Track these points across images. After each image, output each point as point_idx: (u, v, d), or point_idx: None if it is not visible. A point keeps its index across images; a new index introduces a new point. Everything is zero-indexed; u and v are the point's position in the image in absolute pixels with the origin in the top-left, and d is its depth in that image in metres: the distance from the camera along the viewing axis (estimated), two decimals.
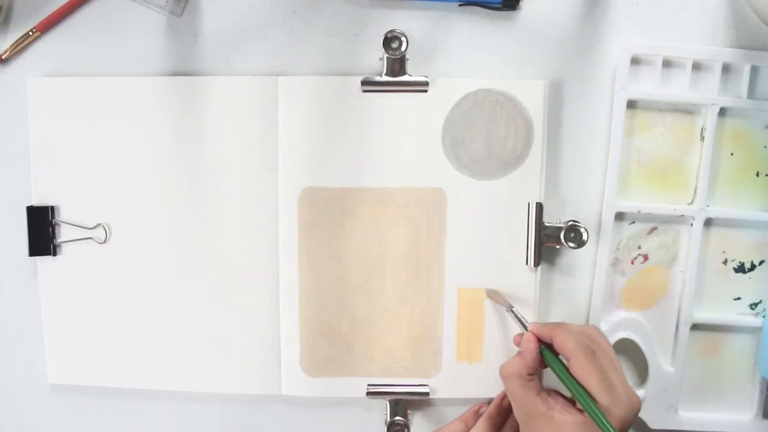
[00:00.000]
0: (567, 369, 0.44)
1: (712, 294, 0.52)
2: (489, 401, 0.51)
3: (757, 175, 0.51)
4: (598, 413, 0.41)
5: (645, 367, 0.52)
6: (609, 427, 0.40)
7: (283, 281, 0.51)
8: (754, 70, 0.50)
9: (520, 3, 0.49)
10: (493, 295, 0.50)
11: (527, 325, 0.47)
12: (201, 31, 0.50)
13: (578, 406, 0.43)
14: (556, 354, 0.45)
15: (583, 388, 0.42)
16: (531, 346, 0.45)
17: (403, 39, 0.48)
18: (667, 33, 0.50)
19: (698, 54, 0.49)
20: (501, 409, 0.50)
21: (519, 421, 0.45)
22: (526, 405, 0.44)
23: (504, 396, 0.50)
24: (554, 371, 0.44)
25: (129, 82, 0.50)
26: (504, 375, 0.45)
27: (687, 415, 0.52)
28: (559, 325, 0.46)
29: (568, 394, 0.44)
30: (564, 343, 0.44)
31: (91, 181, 0.51)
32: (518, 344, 0.47)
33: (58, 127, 0.51)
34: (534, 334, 0.46)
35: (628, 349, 0.52)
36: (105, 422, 0.54)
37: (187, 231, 0.51)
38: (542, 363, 0.45)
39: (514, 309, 0.48)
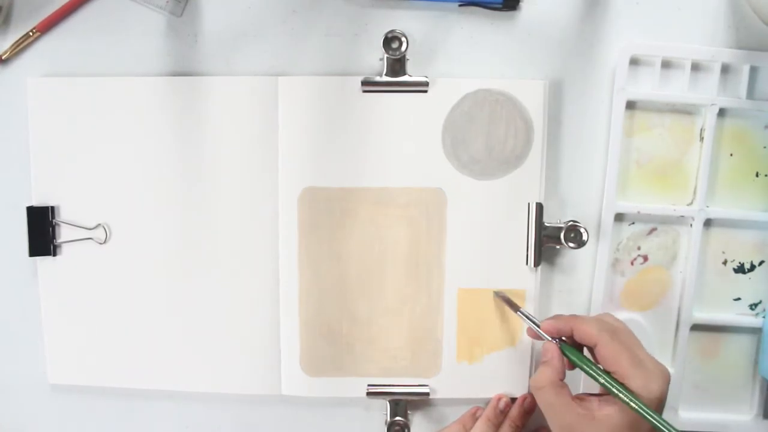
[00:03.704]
0: (594, 362, 0.43)
1: (711, 294, 0.52)
2: (486, 403, 0.52)
3: (757, 175, 0.51)
4: (630, 398, 0.40)
5: None
6: (646, 410, 0.40)
7: (283, 281, 0.51)
8: (754, 70, 0.50)
9: (520, 3, 0.49)
10: (502, 296, 0.50)
11: (539, 323, 0.46)
12: (201, 31, 0.50)
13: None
14: (577, 350, 0.44)
15: (612, 376, 0.42)
16: (555, 352, 0.44)
17: (403, 39, 0.48)
18: (667, 33, 0.50)
19: (697, 54, 0.49)
20: (498, 411, 0.50)
21: None
22: (564, 412, 0.42)
23: (500, 397, 0.50)
24: (582, 368, 0.43)
25: (129, 82, 0.50)
26: (537, 387, 0.44)
27: (687, 415, 0.52)
28: (575, 316, 0.45)
29: (596, 389, 0.43)
30: (586, 331, 0.43)
31: (91, 181, 0.51)
32: (533, 336, 0.46)
33: (58, 127, 0.51)
34: (552, 340, 0.45)
35: None
36: (105, 422, 0.54)
37: (187, 231, 0.51)
38: (568, 363, 0.45)
39: (522, 310, 0.48)
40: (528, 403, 0.51)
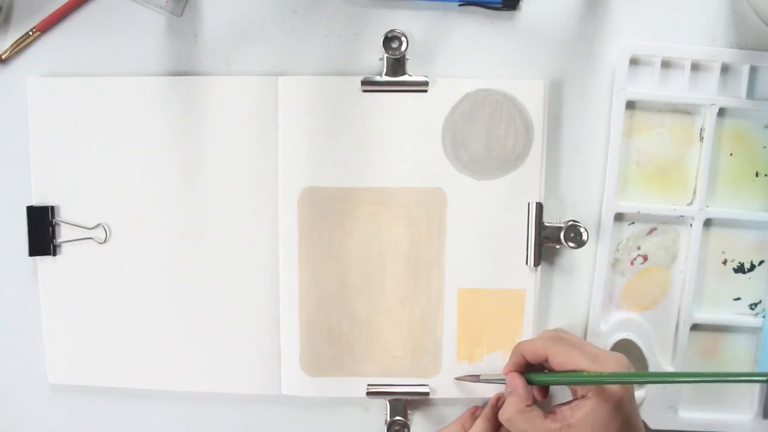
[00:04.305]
0: (554, 372, 0.45)
1: (711, 294, 0.52)
2: (484, 404, 0.52)
3: (757, 175, 0.51)
4: (598, 376, 0.42)
5: (645, 367, 0.52)
6: (617, 376, 0.42)
7: (283, 281, 0.51)
8: (753, 70, 0.50)
9: (520, 3, 0.49)
10: (462, 379, 0.51)
11: (499, 377, 0.48)
12: (201, 31, 0.50)
13: (579, 395, 0.44)
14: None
15: (578, 372, 0.43)
16: (517, 379, 0.46)
17: (403, 39, 0.48)
18: (667, 33, 0.50)
19: (697, 54, 0.49)
20: (497, 410, 0.50)
21: None
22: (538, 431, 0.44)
23: (499, 397, 0.50)
24: (546, 381, 0.45)
25: (129, 82, 0.50)
26: (506, 418, 0.45)
27: (687, 415, 0.52)
28: (518, 345, 0.48)
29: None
30: (533, 349, 0.46)
31: (91, 181, 0.51)
32: (507, 371, 0.48)
33: (58, 127, 0.51)
34: (513, 373, 0.47)
35: (628, 349, 0.52)
36: (105, 422, 0.54)
37: (187, 231, 0.51)
38: (539, 392, 0.47)
39: (482, 377, 0.50)
40: (502, 404, 0.51)
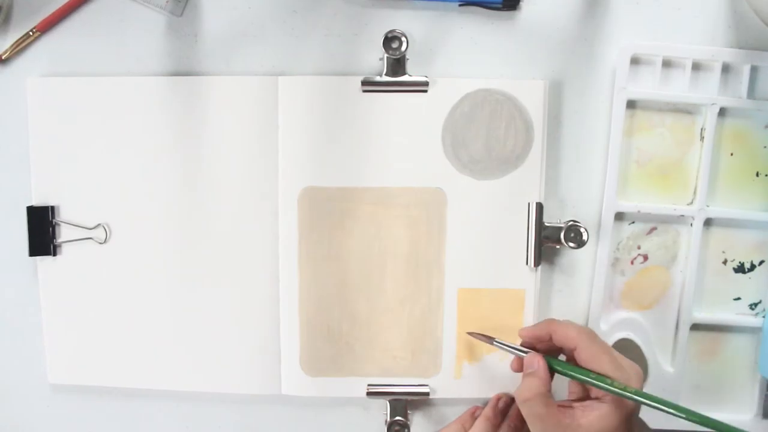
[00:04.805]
0: (578, 365, 0.44)
1: (711, 294, 0.52)
2: (484, 403, 0.52)
3: (757, 175, 0.51)
4: (620, 389, 0.41)
5: (645, 367, 0.52)
6: (634, 394, 0.41)
7: (283, 281, 0.51)
8: (754, 69, 0.50)
9: (520, 3, 0.49)
10: (473, 334, 0.50)
11: (516, 346, 0.47)
12: (201, 31, 0.50)
13: (592, 395, 0.43)
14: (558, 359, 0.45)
15: (602, 377, 0.42)
16: (540, 362, 0.45)
17: (403, 39, 0.48)
18: (667, 33, 0.50)
19: (698, 54, 0.49)
20: (497, 411, 0.50)
21: None
22: (551, 422, 0.42)
23: (499, 397, 0.50)
24: (569, 375, 0.44)
25: (129, 82, 0.50)
26: (524, 398, 0.43)
27: None
28: (552, 320, 0.46)
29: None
30: (566, 334, 0.44)
31: (91, 181, 0.51)
32: (516, 369, 0.47)
33: (58, 127, 0.51)
34: (536, 354, 0.46)
35: (627, 349, 0.52)
36: (105, 422, 0.54)
37: (187, 231, 0.51)
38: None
39: (497, 340, 0.48)
40: (503, 404, 0.50)
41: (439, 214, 0.50)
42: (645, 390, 0.51)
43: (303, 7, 0.50)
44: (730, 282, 0.52)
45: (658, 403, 0.41)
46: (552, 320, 0.47)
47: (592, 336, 0.44)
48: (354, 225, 0.51)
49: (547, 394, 0.43)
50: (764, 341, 0.51)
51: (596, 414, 0.42)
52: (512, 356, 0.48)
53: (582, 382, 0.44)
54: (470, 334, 0.50)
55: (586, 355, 0.43)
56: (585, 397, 0.45)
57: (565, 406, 0.44)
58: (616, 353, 0.44)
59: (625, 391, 0.41)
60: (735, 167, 0.51)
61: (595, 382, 0.43)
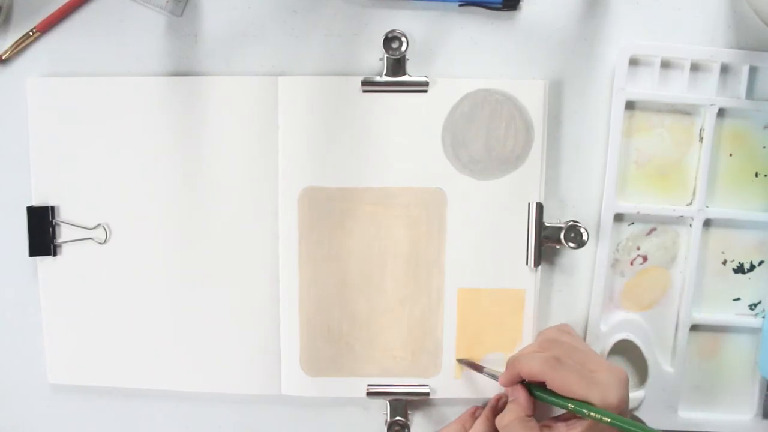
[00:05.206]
0: (552, 392, 0.44)
1: (711, 294, 0.52)
2: (484, 403, 0.52)
3: (756, 175, 0.51)
4: (591, 411, 0.42)
5: (644, 367, 0.52)
6: (616, 419, 0.41)
7: (283, 281, 0.51)
8: (753, 70, 0.50)
9: (520, 3, 0.49)
10: (464, 362, 0.51)
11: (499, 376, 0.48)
12: (201, 31, 0.50)
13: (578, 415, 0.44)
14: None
15: (572, 398, 0.43)
16: (520, 391, 0.46)
17: (403, 39, 0.48)
18: (667, 33, 0.50)
19: (697, 54, 0.49)
20: (497, 410, 0.50)
21: None
22: None
23: (499, 397, 0.50)
24: (548, 401, 0.45)
25: (129, 82, 0.50)
26: (503, 424, 0.45)
27: (687, 416, 0.52)
28: (516, 359, 0.46)
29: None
30: (530, 370, 0.45)
31: (91, 181, 0.51)
32: (504, 384, 0.47)
33: (58, 127, 0.51)
34: (518, 385, 0.46)
35: (627, 349, 0.52)
36: (105, 422, 0.54)
37: (187, 231, 0.51)
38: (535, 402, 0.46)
39: (486, 370, 0.49)
40: (503, 404, 0.50)
41: (439, 214, 0.50)
42: (645, 390, 0.52)
43: (303, 7, 0.50)
44: (729, 282, 0.52)
45: (629, 425, 0.41)
46: (515, 359, 0.46)
47: (554, 364, 0.44)
48: (354, 225, 0.51)
49: (526, 418, 0.44)
50: (764, 341, 0.51)
51: (579, 430, 0.43)
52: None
53: (561, 408, 0.44)
54: (460, 361, 0.51)
55: (555, 385, 0.44)
56: (571, 415, 0.45)
57: (549, 425, 0.45)
58: (591, 362, 0.44)
59: (599, 413, 0.42)
60: (734, 168, 0.51)
61: (569, 406, 0.43)
